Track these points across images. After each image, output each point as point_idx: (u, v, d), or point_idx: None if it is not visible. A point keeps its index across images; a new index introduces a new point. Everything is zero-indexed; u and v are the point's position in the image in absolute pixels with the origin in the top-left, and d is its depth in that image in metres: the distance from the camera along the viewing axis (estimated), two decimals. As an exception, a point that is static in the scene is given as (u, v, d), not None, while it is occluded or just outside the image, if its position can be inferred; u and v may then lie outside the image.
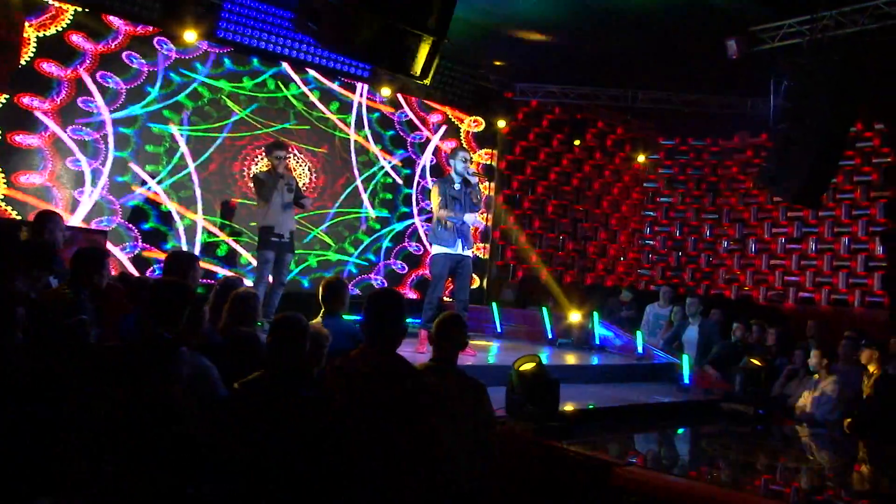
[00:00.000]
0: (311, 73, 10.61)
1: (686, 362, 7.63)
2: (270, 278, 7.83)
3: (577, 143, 13.03)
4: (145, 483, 2.78)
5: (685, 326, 8.70)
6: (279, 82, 10.33)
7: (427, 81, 6.14)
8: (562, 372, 7.12)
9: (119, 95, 9.02)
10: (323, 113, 10.70)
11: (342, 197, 10.89)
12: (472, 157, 7.84)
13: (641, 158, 13.39)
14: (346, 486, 2.93)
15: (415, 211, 11.64)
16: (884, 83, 8.89)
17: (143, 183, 9.16)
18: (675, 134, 13.72)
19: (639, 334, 8.68)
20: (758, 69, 8.87)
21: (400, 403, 2.92)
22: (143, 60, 9.19)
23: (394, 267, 11.34)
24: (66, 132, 8.62)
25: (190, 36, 9.14)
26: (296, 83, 10.47)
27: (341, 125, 10.89)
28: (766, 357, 7.64)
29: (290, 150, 8.10)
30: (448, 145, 11.86)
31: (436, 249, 7.47)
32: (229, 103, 9.86)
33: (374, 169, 11.23)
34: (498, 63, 11.60)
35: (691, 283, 13.44)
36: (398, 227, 11.48)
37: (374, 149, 11.22)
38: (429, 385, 2.94)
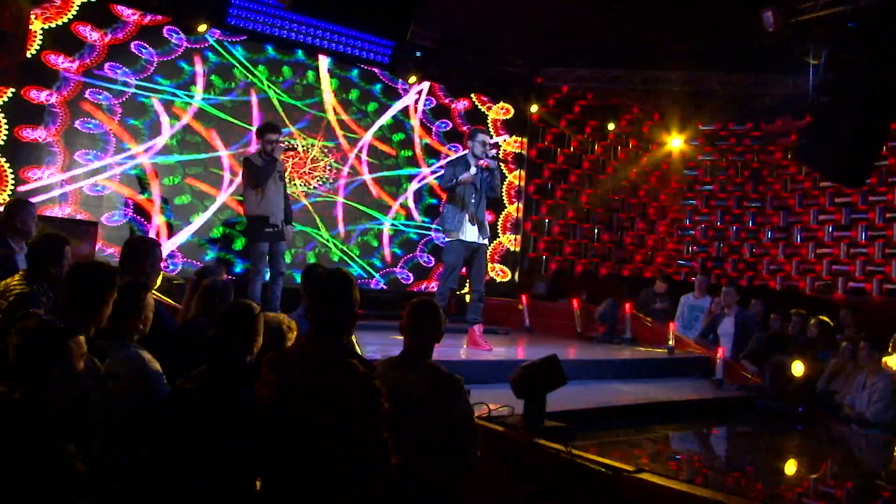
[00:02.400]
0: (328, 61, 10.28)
1: (720, 356, 7.09)
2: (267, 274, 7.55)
3: (611, 128, 12.46)
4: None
5: (721, 318, 8.13)
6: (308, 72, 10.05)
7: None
8: (583, 368, 6.70)
9: (128, 85, 8.80)
10: (341, 110, 10.36)
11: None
12: (492, 140, 7.31)
13: (680, 145, 12.78)
14: (271, 491, 2.55)
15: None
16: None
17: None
18: (715, 119, 13.08)
19: (671, 327, 8.16)
20: (797, 42, 8.25)
21: (336, 400, 2.51)
22: (152, 50, 8.95)
23: (420, 260, 10.95)
24: (74, 124, 8.42)
25: (199, 24, 8.87)
26: (315, 71, 10.16)
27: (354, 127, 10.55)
28: (808, 350, 7.04)
29: (282, 133, 7.70)
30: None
31: (449, 237, 7.01)
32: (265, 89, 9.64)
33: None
34: (524, 47, 11.11)
35: (734, 274, 12.84)
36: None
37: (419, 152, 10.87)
38: (374, 379, 2.52)
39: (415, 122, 11.02)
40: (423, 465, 3.03)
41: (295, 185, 9.83)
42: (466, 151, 7.24)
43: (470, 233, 6.88)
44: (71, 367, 2.31)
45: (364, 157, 10.56)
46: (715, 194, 13.29)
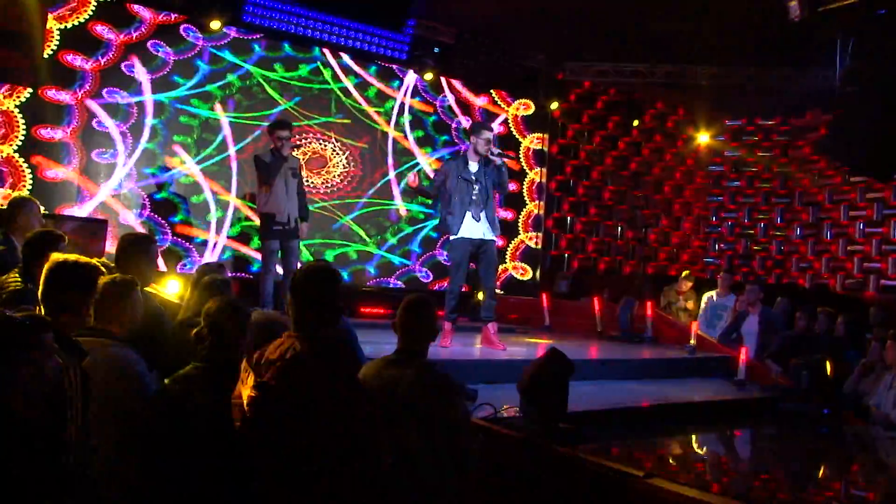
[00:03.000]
0: (346, 58, 10.20)
1: (743, 356, 6.88)
2: (280, 269, 7.48)
3: (635, 124, 12.24)
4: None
5: (744, 317, 7.90)
6: (322, 70, 9.98)
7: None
8: (600, 368, 6.54)
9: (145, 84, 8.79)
10: (360, 104, 10.27)
11: (378, 185, 10.48)
12: (494, 138, 7.11)
13: (706, 140, 12.52)
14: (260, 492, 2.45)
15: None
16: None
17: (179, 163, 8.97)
18: (741, 114, 12.81)
19: (694, 326, 7.96)
20: (823, 32, 7.99)
21: (316, 400, 2.40)
22: (168, 49, 8.94)
23: (439, 258, 10.84)
24: (91, 123, 8.44)
25: (214, 23, 8.83)
26: (332, 69, 10.07)
27: (378, 118, 10.45)
28: (835, 349, 6.79)
29: (293, 130, 7.57)
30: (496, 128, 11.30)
31: (450, 235, 6.77)
32: (271, 91, 9.57)
33: (415, 163, 10.73)
34: (545, 42, 10.94)
35: (761, 272, 12.56)
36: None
37: (411, 141, 10.71)
38: (358, 379, 2.41)
39: (414, 106, 10.90)
40: (417, 466, 2.92)
41: (312, 182, 9.76)
42: (467, 147, 7.03)
43: (472, 229, 6.66)
44: (40, 366, 2.22)
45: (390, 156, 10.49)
46: (742, 190, 13.01)
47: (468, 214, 6.62)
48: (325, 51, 10.02)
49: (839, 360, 6.64)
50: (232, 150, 9.33)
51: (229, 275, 5.39)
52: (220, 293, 3.91)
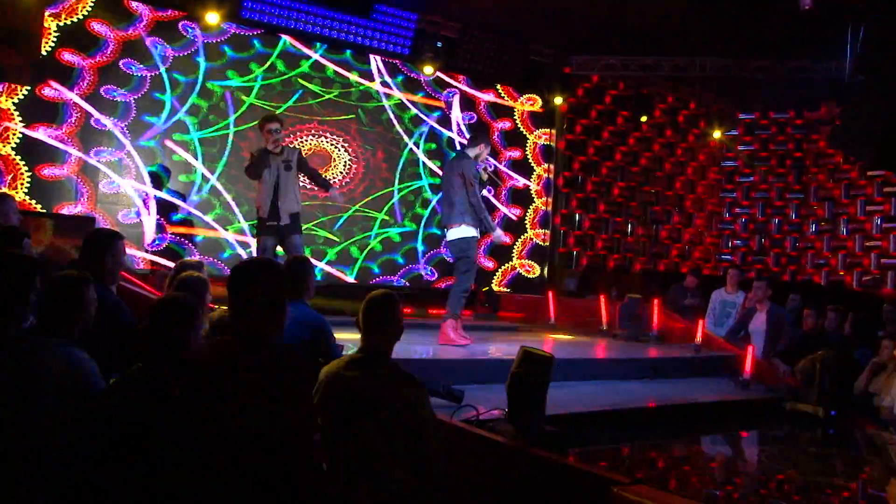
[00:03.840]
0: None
1: (749, 355, 6.66)
2: None
3: (643, 119, 12.00)
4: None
5: (752, 314, 7.66)
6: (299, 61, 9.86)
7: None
8: (598, 366, 6.38)
9: (144, 82, 8.71)
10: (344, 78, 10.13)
11: (398, 170, 10.43)
12: (488, 155, 7.08)
13: (718, 135, 12.28)
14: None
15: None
16: None
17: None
18: (754, 107, 12.55)
19: (700, 323, 7.75)
20: (834, 21, 7.76)
21: (247, 400, 2.25)
22: (167, 45, 8.86)
23: (445, 256, 10.69)
24: (90, 122, 8.38)
25: (212, 18, 8.72)
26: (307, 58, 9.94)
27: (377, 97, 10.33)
28: (844, 348, 6.55)
29: (284, 123, 7.35)
30: (502, 125, 11.17)
31: (467, 232, 6.65)
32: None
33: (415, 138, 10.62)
34: (551, 35, 10.75)
35: (776, 269, 12.29)
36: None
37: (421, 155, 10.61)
38: (308, 382, 2.27)
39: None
40: (382, 471, 2.78)
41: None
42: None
43: (476, 229, 6.73)
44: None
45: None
46: (756, 185, 12.74)
47: (482, 215, 6.68)
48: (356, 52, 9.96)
49: (848, 359, 6.40)
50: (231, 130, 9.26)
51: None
52: (195, 291, 3.80)
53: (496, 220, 10.51)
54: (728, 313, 8.39)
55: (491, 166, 6.95)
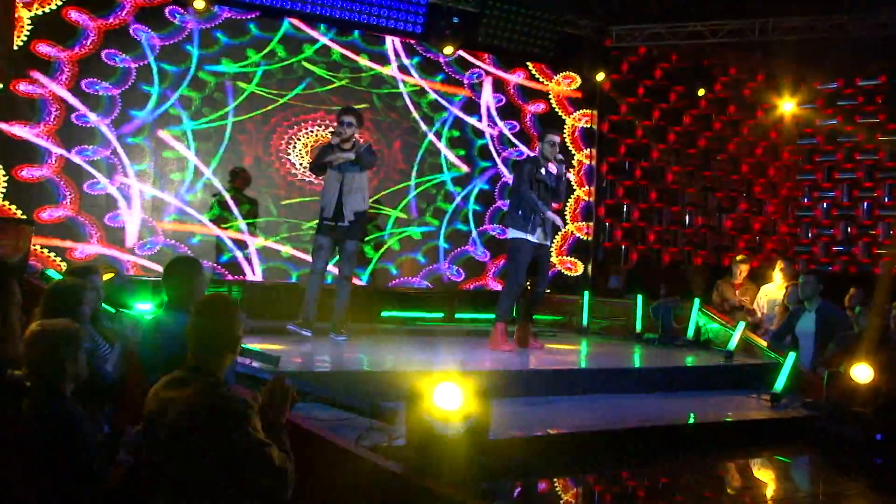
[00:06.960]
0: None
1: (790, 363, 5.39)
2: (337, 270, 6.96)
3: (701, 94, 10.66)
4: None
5: (799, 314, 6.32)
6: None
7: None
8: (604, 378, 5.37)
9: (129, 74, 8.16)
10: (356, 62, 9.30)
11: (417, 159, 9.57)
12: (558, 141, 6.80)
13: (792, 109, 10.80)
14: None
15: (498, 162, 9.94)
16: None
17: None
18: (837, 74, 10.99)
19: (740, 325, 6.49)
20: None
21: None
22: (153, 34, 8.29)
23: (492, 232, 9.83)
24: (71, 119, 7.89)
25: (199, 2, 8.09)
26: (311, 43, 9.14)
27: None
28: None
29: (358, 115, 6.69)
30: (535, 108, 10.10)
31: (514, 234, 6.60)
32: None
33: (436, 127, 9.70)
34: (588, 3, 9.62)
35: (865, 261, 10.72)
36: (482, 185, 9.91)
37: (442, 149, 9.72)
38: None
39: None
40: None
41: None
42: (535, 152, 7.09)
43: (539, 234, 6.57)
44: None
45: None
46: (839, 165, 11.24)
47: (537, 219, 6.50)
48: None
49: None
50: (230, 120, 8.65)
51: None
52: (64, 300, 3.52)
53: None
54: (776, 314, 7.06)
55: (554, 168, 6.60)
